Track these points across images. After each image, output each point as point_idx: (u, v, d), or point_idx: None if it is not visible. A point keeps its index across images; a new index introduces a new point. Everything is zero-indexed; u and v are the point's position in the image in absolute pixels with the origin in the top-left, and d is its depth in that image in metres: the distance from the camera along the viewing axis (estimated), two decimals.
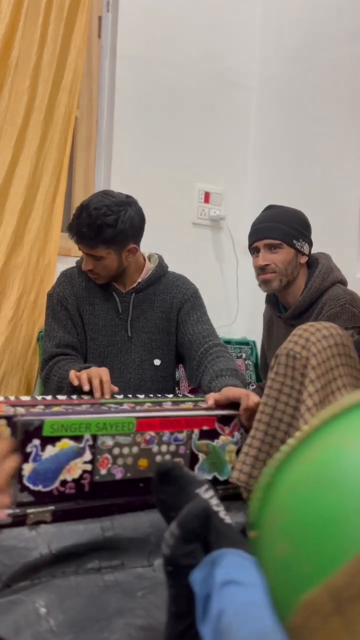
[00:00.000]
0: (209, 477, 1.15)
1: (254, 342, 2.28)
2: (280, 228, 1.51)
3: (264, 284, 1.54)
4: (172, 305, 1.59)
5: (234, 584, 0.68)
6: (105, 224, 1.44)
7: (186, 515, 0.78)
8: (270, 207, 1.59)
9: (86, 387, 1.28)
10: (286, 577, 0.39)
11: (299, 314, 1.52)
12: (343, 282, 1.53)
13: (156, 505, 0.91)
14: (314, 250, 1.64)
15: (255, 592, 0.67)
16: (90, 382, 1.31)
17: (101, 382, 1.31)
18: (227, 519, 0.81)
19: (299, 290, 1.53)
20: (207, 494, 0.85)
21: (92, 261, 1.50)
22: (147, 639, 0.81)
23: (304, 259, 1.53)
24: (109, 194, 1.52)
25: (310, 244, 1.57)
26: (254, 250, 1.56)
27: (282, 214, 1.54)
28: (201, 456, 1.14)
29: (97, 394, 1.28)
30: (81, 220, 1.45)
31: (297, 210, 1.58)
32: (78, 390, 1.32)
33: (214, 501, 0.84)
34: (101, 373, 1.33)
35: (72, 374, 1.33)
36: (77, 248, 2.26)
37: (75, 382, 1.31)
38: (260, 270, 1.53)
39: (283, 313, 1.58)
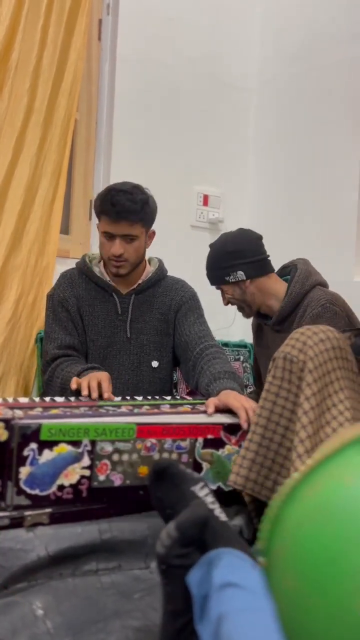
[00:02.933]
0: (214, 487, 1.13)
1: (251, 345, 2.28)
2: (211, 275, 1.62)
3: (245, 316, 1.68)
4: (170, 307, 1.60)
5: (232, 587, 0.69)
6: (144, 201, 1.48)
7: (186, 521, 0.78)
8: (209, 247, 1.65)
9: (85, 392, 1.29)
10: (295, 609, 0.40)
11: (283, 319, 1.57)
12: (323, 284, 1.57)
13: (152, 502, 0.91)
14: (307, 255, 1.66)
15: (253, 596, 0.67)
16: (89, 385, 1.31)
17: (99, 384, 1.31)
18: (223, 516, 0.82)
19: (274, 299, 1.58)
20: (202, 492, 0.86)
21: (124, 245, 1.49)
22: None
23: (247, 282, 1.57)
24: (123, 182, 1.55)
25: (247, 264, 1.56)
26: None
27: (209, 259, 1.63)
28: (205, 465, 1.13)
29: (94, 394, 1.27)
30: (122, 197, 1.45)
31: (225, 239, 1.62)
32: (79, 394, 1.32)
33: (209, 499, 0.84)
34: (100, 377, 1.33)
35: (74, 380, 1.33)
36: (75, 250, 2.27)
37: (74, 386, 1.31)
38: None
39: (268, 321, 1.60)
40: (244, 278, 1.57)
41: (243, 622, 0.64)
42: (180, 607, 0.75)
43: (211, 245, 1.65)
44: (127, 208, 1.45)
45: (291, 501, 0.40)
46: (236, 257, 1.57)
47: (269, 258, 1.63)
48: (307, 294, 1.52)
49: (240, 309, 1.64)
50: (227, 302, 1.64)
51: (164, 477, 0.89)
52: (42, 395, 1.60)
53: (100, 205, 1.49)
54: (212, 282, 1.65)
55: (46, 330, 1.58)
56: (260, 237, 1.63)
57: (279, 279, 1.61)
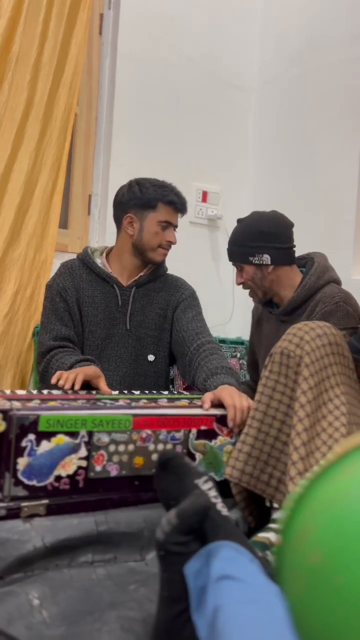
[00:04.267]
0: None
1: (247, 341, 2.29)
2: (235, 251, 1.56)
3: (252, 299, 1.64)
4: (169, 303, 1.61)
5: (229, 579, 0.69)
6: None
7: (187, 509, 0.80)
8: (238, 221, 1.61)
9: (61, 382, 1.29)
10: (319, 587, 0.40)
11: (292, 310, 1.54)
12: (337, 282, 1.55)
13: (157, 493, 0.92)
14: (306, 252, 1.66)
15: (251, 588, 0.68)
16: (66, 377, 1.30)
17: (76, 376, 1.30)
18: (224, 511, 0.83)
19: (289, 289, 1.55)
20: (205, 485, 0.87)
21: (174, 234, 1.60)
22: (139, 631, 0.82)
23: (270, 268, 1.53)
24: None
25: (276, 249, 1.53)
26: None
27: (237, 233, 1.57)
28: (198, 456, 1.14)
29: (67, 385, 1.27)
30: (179, 191, 1.60)
31: (259, 218, 1.56)
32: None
33: (212, 493, 0.85)
34: (81, 371, 1.32)
35: (58, 372, 1.34)
36: (74, 244, 2.28)
37: (53, 381, 1.31)
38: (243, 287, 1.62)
39: (275, 309, 1.59)
40: (269, 263, 1.52)
41: (239, 614, 0.65)
42: (177, 594, 0.76)
43: (240, 220, 1.59)
44: (185, 201, 1.60)
45: (324, 480, 0.41)
46: (267, 240, 1.52)
47: (295, 248, 1.58)
48: (321, 288, 1.49)
49: (252, 292, 1.59)
50: (241, 282, 1.57)
51: (169, 468, 0.90)
52: (39, 387, 1.60)
53: (165, 196, 1.55)
54: (233, 258, 1.57)
55: (42, 321, 1.58)
56: (292, 225, 1.58)
57: (298, 270, 1.57)
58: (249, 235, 1.54)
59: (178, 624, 0.74)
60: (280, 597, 0.65)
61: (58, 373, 1.32)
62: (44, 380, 1.51)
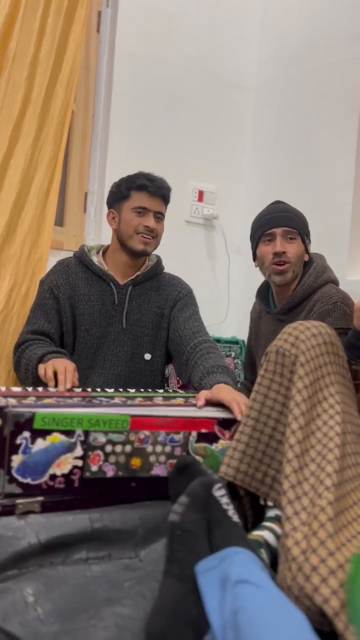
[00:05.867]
0: None
1: (243, 342, 2.29)
2: (297, 221, 1.53)
3: (279, 274, 1.51)
4: (166, 301, 1.61)
5: (248, 584, 0.72)
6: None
7: (193, 487, 0.86)
8: (280, 202, 1.61)
9: (51, 384, 1.29)
10: None
11: (289, 309, 1.54)
12: (335, 283, 1.56)
13: (169, 494, 0.96)
14: None
15: (267, 593, 0.72)
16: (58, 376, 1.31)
17: (66, 373, 1.31)
18: (235, 517, 0.84)
19: (293, 286, 1.55)
20: (218, 492, 0.90)
21: (157, 221, 1.56)
22: (134, 628, 0.82)
23: (306, 257, 1.57)
24: None
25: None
26: (266, 237, 1.53)
27: (295, 210, 1.58)
28: (198, 459, 1.13)
29: (61, 387, 1.28)
30: (156, 177, 1.56)
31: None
32: (42, 381, 1.32)
33: (224, 500, 0.88)
34: (65, 364, 1.33)
35: (40, 367, 1.34)
36: (69, 242, 2.27)
37: (42, 373, 1.32)
38: (276, 256, 1.49)
39: (272, 309, 1.60)
40: (309, 252, 1.57)
41: (262, 617, 0.67)
42: (187, 574, 0.78)
43: (282, 202, 1.60)
44: (163, 185, 1.56)
45: None
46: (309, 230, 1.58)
47: None
48: (319, 288, 1.50)
49: (291, 267, 1.50)
50: (285, 251, 1.49)
51: (185, 472, 0.93)
52: (17, 379, 1.61)
53: (135, 182, 1.53)
54: (297, 225, 1.52)
55: (29, 314, 1.59)
56: None
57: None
58: (304, 219, 1.58)
59: (188, 602, 0.76)
60: (295, 606, 0.70)
61: (41, 370, 1.31)
62: (17, 371, 1.52)
